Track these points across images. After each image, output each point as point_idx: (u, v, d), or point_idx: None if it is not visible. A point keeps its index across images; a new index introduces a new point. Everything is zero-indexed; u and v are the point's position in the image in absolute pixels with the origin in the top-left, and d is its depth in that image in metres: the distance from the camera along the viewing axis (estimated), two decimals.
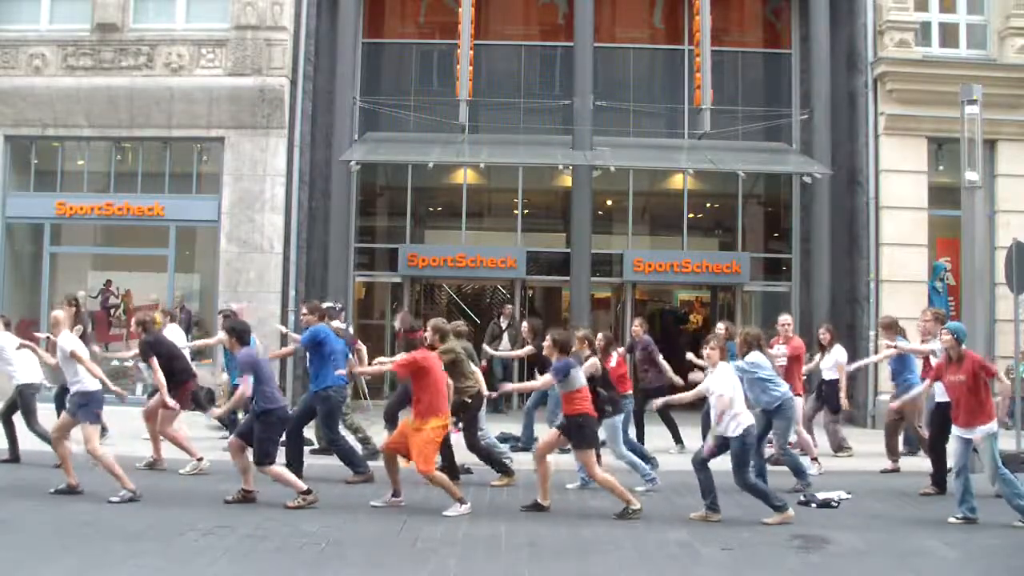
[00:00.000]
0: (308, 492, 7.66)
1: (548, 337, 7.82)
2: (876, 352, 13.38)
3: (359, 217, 16.30)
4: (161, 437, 9.24)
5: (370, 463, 9.21)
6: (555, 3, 16.80)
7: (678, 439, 11.25)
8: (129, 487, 7.64)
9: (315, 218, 15.29)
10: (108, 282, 15.27)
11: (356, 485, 8.71)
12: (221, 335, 9.20)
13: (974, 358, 7.68)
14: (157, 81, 14.65)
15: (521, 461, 9.99)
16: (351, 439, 9.66)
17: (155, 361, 9.08)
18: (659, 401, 8.81)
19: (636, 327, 11.51)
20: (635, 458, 8.83)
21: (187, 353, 10.26)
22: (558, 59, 16.71)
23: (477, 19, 14.97)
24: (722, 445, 7.51)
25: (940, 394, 8.59)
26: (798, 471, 8.86)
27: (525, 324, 11.13)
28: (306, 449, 9.25)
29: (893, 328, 10.24)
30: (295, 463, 8.64)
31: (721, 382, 7.51)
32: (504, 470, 8.95)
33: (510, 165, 15.88)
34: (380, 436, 10.43)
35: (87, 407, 7.78)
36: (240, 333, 7.95)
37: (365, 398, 14.24)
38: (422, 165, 15.04)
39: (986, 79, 12.85)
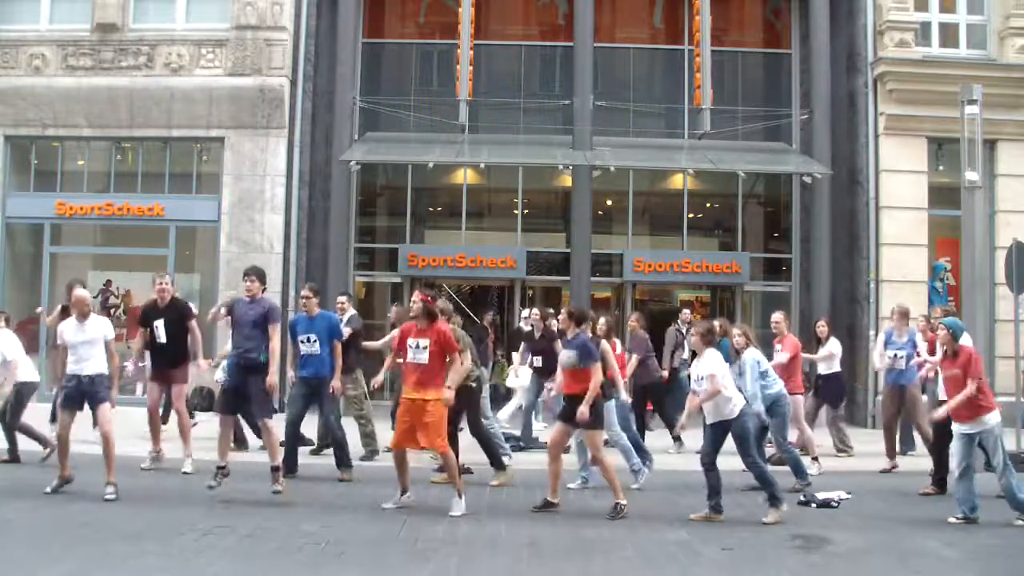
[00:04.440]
0: (224, 467, 7.81)
1: (564, 310, 7.87)
2: (876, 351, 13.39)
3: (359, 217, 16.30)
4: (171, 415, 9.34)
5: (367, 463, 9.35)
6: (555, 3, 16.80)
7: (676, 437, 11.26)
8: (62, 475, 7.80)
9: (315, 218, 15.29)
10: (108, 282, 15.27)
11: (357, 485, 8.71)
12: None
13: (967, 352, 7.73)
14: (157, 81, 14.66)
15: (521, 461, 10.01)
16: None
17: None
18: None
19: (633, 322, 11.52)
20: (628, 444, 8.85)
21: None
22: (558, 59, 16.71)
23: (477, 19, 14.97)
24: (722, 433, 7.53)
25: (943, 393, 8.59)
26: (798, 470, 8.87)
27: (536, 310, 11.13)
28: (304, 449, 9.35)
29: (907, 317, 10.33)
30: (290, 459, 8.81)
31: (709, 365, 7.51)
32: (499, 465, 8.93)
33: (510, 165, 15.88)
34: (385, 436, 10.46)
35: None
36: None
37: (366, 398, 14.22)
38: (422, 165, 15.05)
39: (986, 79, 12.86)
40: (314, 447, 10.16)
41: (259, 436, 8.69)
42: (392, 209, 17.21)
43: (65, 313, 9.75)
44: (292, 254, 14.71)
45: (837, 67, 15.23)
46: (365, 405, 10.20)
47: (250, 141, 14.69)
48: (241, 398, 7.99)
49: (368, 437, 10.02)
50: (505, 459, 9.59)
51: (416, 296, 7.72)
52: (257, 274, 8.15)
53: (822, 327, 11.26)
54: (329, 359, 9.06)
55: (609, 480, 7.66)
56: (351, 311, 10.57)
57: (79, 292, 8.13)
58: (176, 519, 7.04)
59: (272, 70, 14.66)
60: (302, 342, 9.05)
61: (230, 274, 14.52)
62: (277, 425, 8.11)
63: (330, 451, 9.84)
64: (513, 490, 8.63)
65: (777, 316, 10.48)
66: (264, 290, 8.19)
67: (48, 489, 7.77)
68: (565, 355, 7.69)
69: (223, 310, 8.58)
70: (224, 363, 9.46)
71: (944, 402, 8.19)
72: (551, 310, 11.03)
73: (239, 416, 8.66)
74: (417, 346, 7.50)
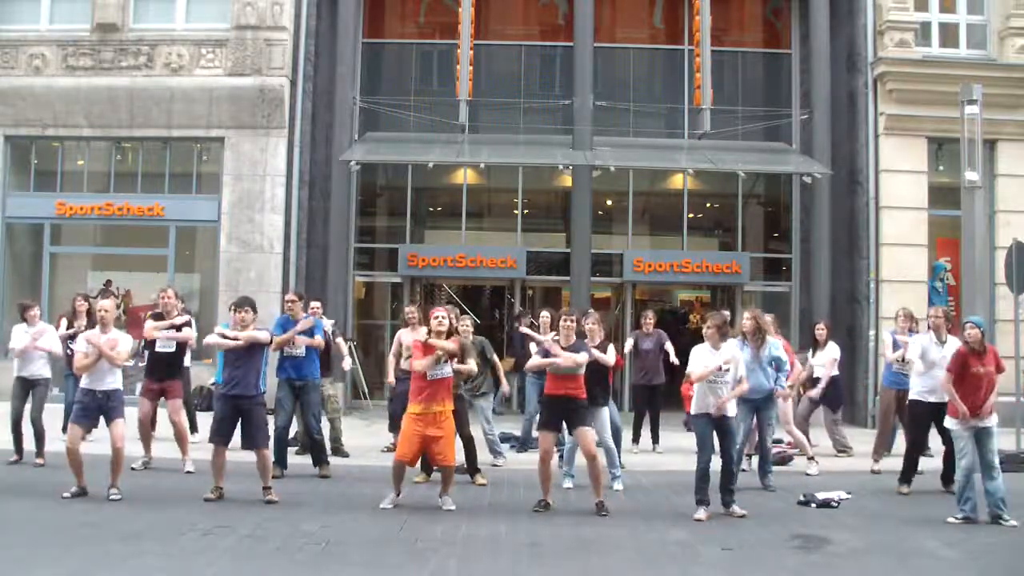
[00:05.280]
0: (221, 488, 7.79)
1: (592, 318, 8.20)
2: (878, 351, 13.42)
3: (359, 217, 16.30)
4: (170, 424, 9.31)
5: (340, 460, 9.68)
6: (555, 3, 16.80)
7: (637, 438, 11.23)
8: (80, 484, 7.75)
9: (315, 218, 15.29)
10: (108, 282, 15.26)
11: (356, 485, 8.72)
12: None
13: (995, 350, 7.88)
14: (157, 81, 14.66)
15: (521, 461, 10.03)
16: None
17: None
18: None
19: (650, 320, 11.50)
20: (615, 448, 8.86)
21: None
22: (558, 59, 16.71)
23: (477, 19, 14.97)
24: (715, 423, 7.68)
25: (916, 392, 8.79)
26: (768, 468, 9.10)
27: (546, 313, 11.13)
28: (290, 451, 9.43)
29: (911, 320, 10.37)
30: (280, 458, 8.95)
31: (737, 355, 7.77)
32: (474, 470, 9.00)
33: (510, 165, 15.88)
34: (369, 441, 10.48)
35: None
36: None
37: (366, 398, 14.28)
38: (422, 165, 15.05)
39: (986, 79, 12.87)
40: (298, 448, 10.17)
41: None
42: (392, 209, 17.20)
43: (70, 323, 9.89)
44: (292, 254, 14.71)
45: (837, 67, 15.23)
46: (339, 406, 10.61)
47: (250, 141, 14.69)
48: (232, 427, 7.92)
49: (336, 440, 10.23)
50: (501, 460, 9.84)
51: (442, 312, 7.77)
52: (252, 306, 8.01)
53: (821, 330, 11.23)
54: (315, 362, 9.28)
55: (594, 477, 7.73)
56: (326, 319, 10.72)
57: (103, 301, 8.18)
58: (176, 519, 7.04)
59: (272, 70, 14.66)
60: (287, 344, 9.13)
61: (230, 274, 14.53)
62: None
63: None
64: (513, 490, 8.64)
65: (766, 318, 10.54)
66: (255, 319, 8.00)
67: (67, 494, 7.70)
68: (577, 357, 7.71)
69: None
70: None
71: (926, 403, 8.49)
72: (589, 310, 11.02)
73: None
74: (440, 361, 7.63)
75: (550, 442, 7.88)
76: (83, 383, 7.83)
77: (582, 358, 7.70)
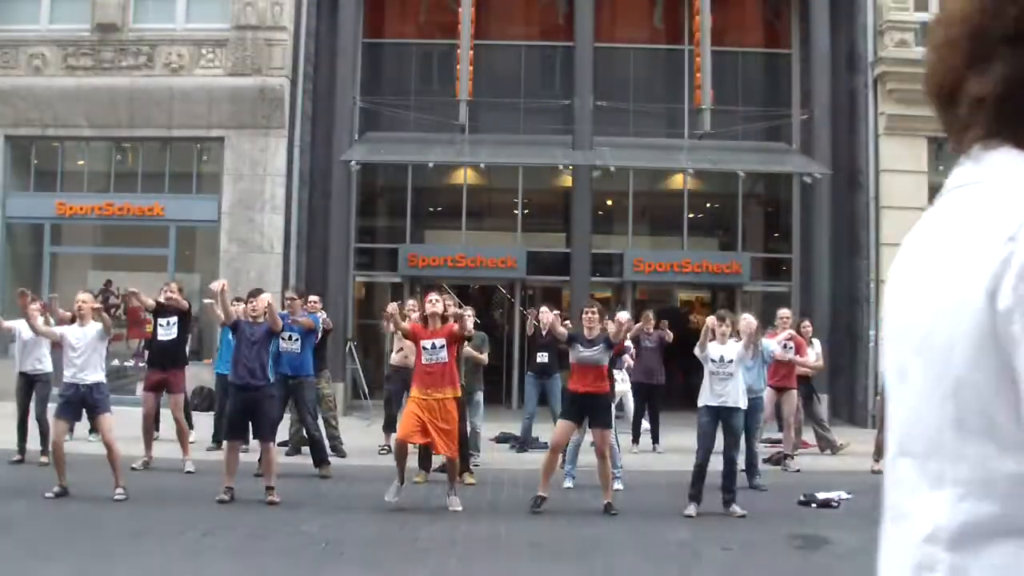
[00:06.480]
0: (232, 488, 7.74)
1: (591, 308, 8.20)
2: (878, 351, 13.41)
3: (359, 217, 16.28)
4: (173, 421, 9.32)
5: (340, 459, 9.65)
6: (555, 3, 16.80)
7: (636, 438, 11.22)
8: (62, 483, 7.66)
9: (315, 218, 15.28)
10: (108, 282, 15.26)
11: (356, 484, 8.71)
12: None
13: None
14: (157, 81, 14.65)
15: (523, 460, 10.03)
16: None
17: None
18: None
19: (651, 320, 11.51)
20: (617, 448, 8.86)
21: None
22: (558, 59, 16.70)
23: (477, 19, 14.96)
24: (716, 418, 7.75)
25: None
26: (756, 470, 9.14)
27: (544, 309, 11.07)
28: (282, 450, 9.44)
29: None
30: None
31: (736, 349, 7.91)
32: (466, 467, 8.99)
33: (510, 165, 15.88)
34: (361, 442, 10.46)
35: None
36: None
37: (366, 398, 14.27)
38: (422, 165, 15.05)
39: None
40: (288, 449, 10.16)
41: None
42: (392, 209, 17.19)
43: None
44: (292, 254, 14.71)
45: (837, 67, 15.22)
46: (334, 405, 10.63)
47: (250, 141, 14.68)
48: (247, 420, 7.95)
49: (334, 439, 10.15)
50: (476, 455, 9.80)
51: (436, 296, 7.92)
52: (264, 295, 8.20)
53: (807, 327, 11.25)
54: (310, 358, 9.38)
55: (604, 477, 7.70)
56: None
57: (81, 294, 8.17)
58: (176, 519, 7.04)
59: (272, 70, 14.65)
60: (283, 339, 9.20)
61: (230, 274, 14.44)
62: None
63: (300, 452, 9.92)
64: (513, 490, 8.63)
65: (784, 312, 10.75)
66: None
67: (49, 494, 7.71)
68: (591, 353, 7.74)
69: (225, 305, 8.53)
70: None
71: None
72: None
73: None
74: (433, 346, 7.59)
75: (567, 434, 7.89)
76: (65, 376, 7.83)
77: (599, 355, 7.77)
